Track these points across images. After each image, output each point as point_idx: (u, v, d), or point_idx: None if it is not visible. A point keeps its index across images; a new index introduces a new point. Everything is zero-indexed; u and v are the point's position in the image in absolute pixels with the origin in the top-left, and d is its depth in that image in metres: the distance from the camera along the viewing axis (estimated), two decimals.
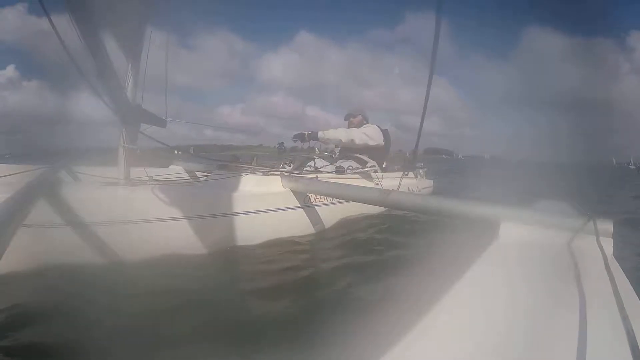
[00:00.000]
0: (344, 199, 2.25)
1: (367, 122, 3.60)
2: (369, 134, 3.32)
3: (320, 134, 3.23)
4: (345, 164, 3.13)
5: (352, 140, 3.25)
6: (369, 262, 1.92)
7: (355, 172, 3.01)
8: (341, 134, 3.27)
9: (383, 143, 3.45)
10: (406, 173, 3.48)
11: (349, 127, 3.60)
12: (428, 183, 4.33)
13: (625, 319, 0.54)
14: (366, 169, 3.14)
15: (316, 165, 2.96)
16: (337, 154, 3.57)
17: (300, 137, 3.23)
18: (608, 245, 1.06)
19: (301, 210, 2.34)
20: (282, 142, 3.27)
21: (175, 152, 3.14)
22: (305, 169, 2.87)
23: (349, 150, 3.43)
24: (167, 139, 2.73)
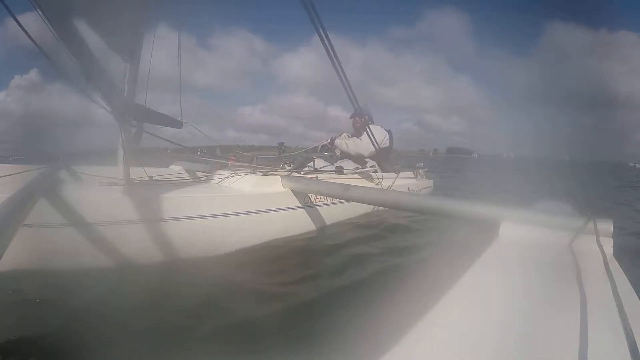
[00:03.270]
0: (344, 199, 2.25)
1: (372, 122, 3.61)
2: (376, 142, 3.34)
3: (337, 142, 3.53)
4: (345, 164, 3.13)
5: (360, 154, 3.40)
6: (369, 262, 1.92)
7: (355, 172, 3.01)
8: (350, 147, 3.44)
9: (389, 144, 3.50)
10: (397, 173, 3.51)
11: (353, 125, 3.65)
12: (428, 183, 4.33)
13: (624, 319, 0.54)
14: (366, 169, 3.14)
15: (316, 166, 2.96)
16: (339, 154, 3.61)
17: (325, 149, 3.57)
18: (608, 245, 1.06)
19: (301, 210, 2.34)
20: (282, 142, 3.30)
21: (199, 152, 3.15)
22: (305, 169, 2.87)
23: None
24: (188, 140, 2.77)
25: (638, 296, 0.70)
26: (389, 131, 3.61)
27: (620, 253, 1.03)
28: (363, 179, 2.99)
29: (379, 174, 3.19)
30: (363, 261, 1.94)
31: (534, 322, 0.58)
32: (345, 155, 3.46)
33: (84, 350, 1.03)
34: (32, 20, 1.36)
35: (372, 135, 3.20)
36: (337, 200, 2.50)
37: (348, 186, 2.12)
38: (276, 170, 2.42)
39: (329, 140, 3.57)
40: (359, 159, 3.36)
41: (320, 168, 2.89)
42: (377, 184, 3.03)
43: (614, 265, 0.89)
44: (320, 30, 1.98)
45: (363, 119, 3.54)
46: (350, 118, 3.70)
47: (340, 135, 3.57)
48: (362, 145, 3.38)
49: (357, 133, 3.61)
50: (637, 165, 22.79)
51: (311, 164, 3.03)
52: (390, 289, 1.51)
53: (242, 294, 1.46)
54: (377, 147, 3.28)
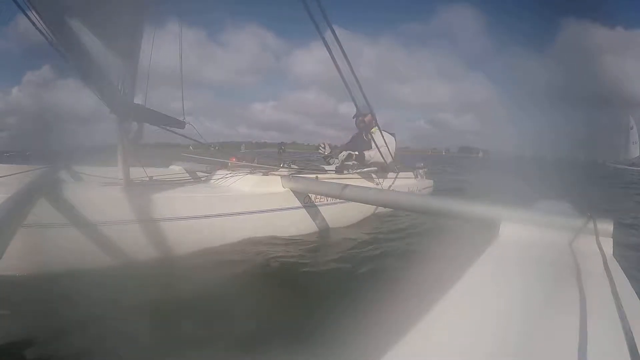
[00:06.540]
0: (344, 199, 2.25)
1: (376, 121, 3.58)
2: (386, 152, 3.30)
3: (367, 156, 3.27)
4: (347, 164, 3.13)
5: (373, 162, 3.29)
6: (369, 262, 1.92)
7: (355, 172, 3.01)
8: (378, 158, 3.28)
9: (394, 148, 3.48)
10: (397, 173, 3.47)
11: (358, 125, 3.61)
12: (428, 183, 4.33)
13: (624, 318, 0.55)
14: (366, 169, 3.14)
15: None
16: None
17: (351, 157, 3.28)
18: (608, 245, 1.06)
19: (301, 210, 2.34)
20: (282, 142, 3.31)
21: (211, 148, 3.15)
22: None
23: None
24: (201, 136, 2.78)
25: (638, 296, 0.70)
26: (392, 134, 3.59)
27: None
28: (363, 179, 2.99)
29: (386, 176, 3.19)
30: (363, 261, 1.94)
31: (534, 322, 0.58)
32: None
33: (85, 350, 1.03)
34: (32, 21, 1.36)
35: (386, 143, 3.18)
36: (338, 200, 2.50)
37: (348, 186, 2.12)
38: (276, 170, 2.42)
39: (352, 154, 3.28)
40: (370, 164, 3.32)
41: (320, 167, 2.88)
42: (377, 184, 3.03)
43: (614, 266, 0.89)
44: (330, 32, 1.97)
45: (366, 118, 3.52)
46: (354, 118, 3.68)
47: (345, 154, 3.31)
48: (386, 157, 3.29)
49: (359, 134, 3.60)
50: (611, 165, 22.65)
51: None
52: (391, 289, 1.51)
53: (241, 294, 1.46)
54: (393, 156, 3.27)
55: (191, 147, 3.54)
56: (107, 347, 1.03)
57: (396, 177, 3.40)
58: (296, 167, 2.66)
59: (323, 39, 2.01)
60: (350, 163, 3.26)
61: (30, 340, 1.07)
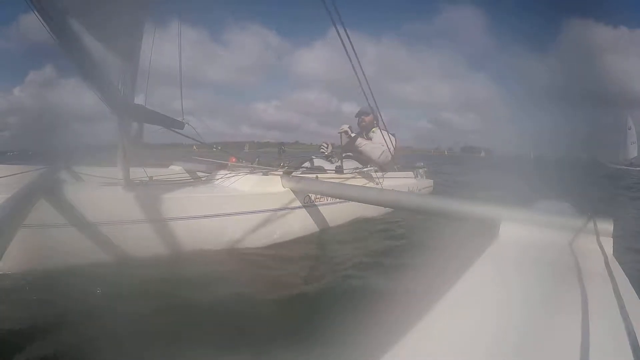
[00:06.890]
0: (344, 198, 2.25)
1: (377, 121, 3.59)
2: (389, 148, 3.33)
3: (358, 141, 3.35)
4: (347, 163, 3.13)
5: (372, 159, 3.33)
6: (369, 262, 1.92)
7: (355, 172, 3.01)
8: (368, 151, 3.35)
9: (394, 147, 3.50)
10: (396, 173, 3.46)
11: (359, 124, 3.64)
12: (428, 183, 4.33)
13: (625, 318, 0.54)
14: (366, 169, 3.14)
15: (315, 165, 2.96)
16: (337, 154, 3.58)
17: (347, 134, 3.37)
18: (608, 244, 1.06)
19: (301, 210, 2.34)
20: (282, 143, 3.33)
21: (214, 148, 3.15)
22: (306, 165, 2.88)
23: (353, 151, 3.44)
24: (202, 136, 2.77)
25: (638, 296, 0.70)
26: (393, 134, 3.60)
27: None
28: (363, 179, 2.99)
29: (379, 174, 3.18)
30: (363, 260, 1.94)
31: (535, 322, 0.58)
32: (347, 155, 3.43)
33: (85, 351, 1.03)
34: (32, 21, 1.35)
35: (386, 141, 3.18)
36: (338, 200, 2.50)
37: (348, 186, 2.11)
38: (276, 170, 2.42)
39: (348, 131, 3.36)
40: (367, 161, 3.32)
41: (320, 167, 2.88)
42: (377, 184, 3.03)
43: (615, 265, 0.89)
44: (339, 26, 1.95)
45: (367, 118, 3.52)
46: (356, 117, 3.69)
47: (345, 129, 3.41)
48: (376, 151, 3.33)
49: (360, 134, 3.61)
50: (611, 165, 22.43)
51: (307, 163, 3.03)
52: (390, 289, 1.50)
53: (241, 294, 1.46)
54: (392, 153, 3.28)
55: (195, 147, 3.53)
56: (107, 346, 1.03)
57: (396, 177, 3.40)
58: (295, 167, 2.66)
59: (341, 38, 2.00)
60: (352, 134, 3.33)
61: (30, 340, 1.07)
